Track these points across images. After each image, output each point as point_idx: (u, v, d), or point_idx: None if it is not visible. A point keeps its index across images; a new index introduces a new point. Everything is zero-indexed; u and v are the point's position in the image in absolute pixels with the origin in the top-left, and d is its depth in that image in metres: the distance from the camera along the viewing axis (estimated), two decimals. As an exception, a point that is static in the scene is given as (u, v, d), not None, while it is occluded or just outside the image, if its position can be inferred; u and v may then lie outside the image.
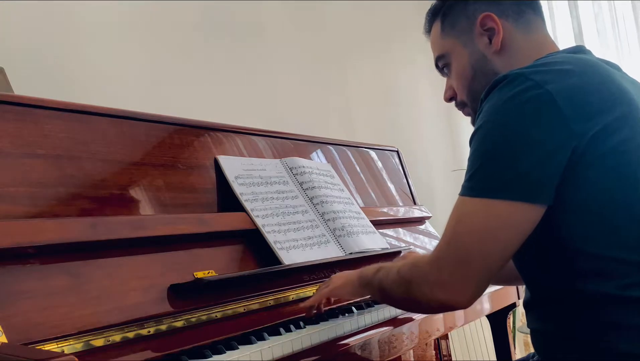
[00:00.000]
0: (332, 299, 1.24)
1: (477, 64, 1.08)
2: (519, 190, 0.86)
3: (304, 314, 1.19)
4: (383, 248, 1.54)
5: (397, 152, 2.07)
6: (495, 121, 0.90)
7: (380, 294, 1.08)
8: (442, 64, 1.15)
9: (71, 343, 0.85)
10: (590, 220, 0.88)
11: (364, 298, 1.29)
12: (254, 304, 1.14)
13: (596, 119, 0.86)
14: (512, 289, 1.77)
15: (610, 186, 0.87)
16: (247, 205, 1.28)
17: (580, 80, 0.89)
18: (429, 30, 1.17)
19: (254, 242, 1.26)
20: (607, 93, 0.90)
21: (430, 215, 1.98)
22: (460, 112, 1.18)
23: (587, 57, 1.00)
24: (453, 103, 1.17)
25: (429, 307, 0.99)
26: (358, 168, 1.81)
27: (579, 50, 1.04)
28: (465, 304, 0.91)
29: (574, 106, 0.86)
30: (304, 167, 1.50)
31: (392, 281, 1.02)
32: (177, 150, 1.25)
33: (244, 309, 1.12)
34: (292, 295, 1.23)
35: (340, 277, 1.18)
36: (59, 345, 0.84)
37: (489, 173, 0.89)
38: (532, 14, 1.07)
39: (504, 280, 1.40)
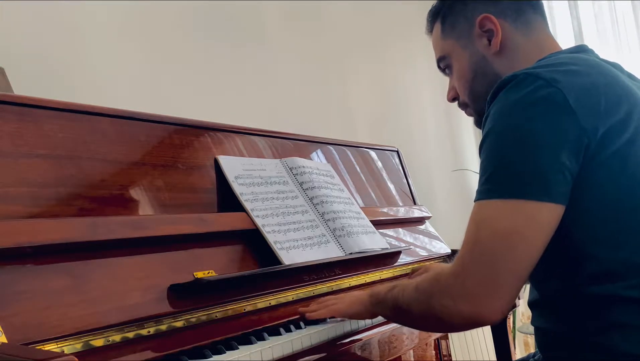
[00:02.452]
0: None
1: (477, 66, 1.08)
2: (539, 189, 0.84)
3: (304, 314, 1.19)
4: (383, 248, 1.53)
5: (397, 152, 2.07)
6: (508, 122, 0.88)
7: (394, 312, 1.02)
8: (444, 65, 1.14)
9: (71, 343, 0.85)
10: (598, 222, 0.87)
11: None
12: (253, 304, 1.14)
13: (604, 120, 0.86)
14: (512, 289, 1.77)
15: (617, 188, 0.87)
16: (247, 205, 1.28)
17: (587, 81, 0.89)
18: (430, 30, 1.17)
19: (254, 242, 1.25)
20: (613, 94, 0.89)
21: (430, 215, 1.98)
22: (461, 112, 1.18)
23: (590, 57, 0.99)
24: (455, 103, 1.17)
25: (451, 324, 0.90)
26: (358, 168, 1.81)
27: (581, 49, 1.03)
28: (493, 318, 0.85)
29: (584, 105, 0.85)
30: (304, 167, 1.50)
31: (409, 298, 0.96)
32: (177, 150, 1.24)
33: (244, 309, 1.12)
34: (292, 295, 1.23)
35: (350, 295, 1.16)
36: (59, 345, 0.84)
37: (507, 174, 0.86)
38: (532, 13, 1.07)
39: None
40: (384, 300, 1.04)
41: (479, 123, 1.12)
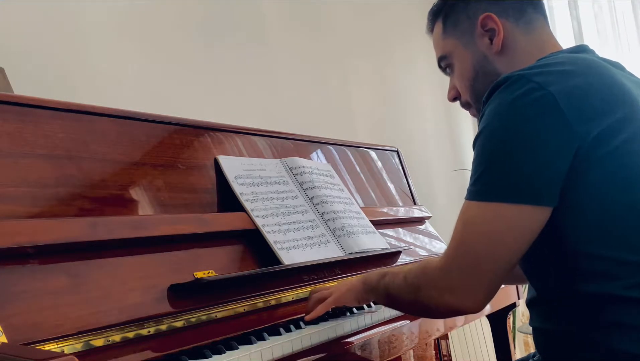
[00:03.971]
0: None
1: (479, 65, 1.08)
2: (524, 193, 0.86)
3: (304, 314, 1.19)
4: (383, 248, 1.54)
5: (397, 152, 2.07)
6: (498, 124, 0.89)
7: (387, 299, 1.08)
8: (445, 64, 1.14)
9: (71, 343, 0.85)
10: (594, 221, 0.88)
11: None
12: (253, 304, 1.14)
13: (598, 120, 0.86)
14: (512, 289, 1.78)
15: (613, 187, 0.87)
16: (247, 205, 1.28)
17: (582, 81, 0.89)
18: (431, 30, 1.17)
19: (254, 242, 1.25)
20: (609, 94, 0.89)
21: (430, 215, 1.98)
22: (461, 112, 1.18)
23: (590, 57, 0.99)
24: (454, 103, 1.17)
25: (437, 312, 0.99)
26: (358, 168, 1.81)
27: (582, 49, 1.03)
28: (475, 309, 0.91)
29: (576, 107, 0.86)
30: (304, 167, 1.50)
31: (399, 288, 1.02)
32: (177, 150, 1.24)
33: (244, 309, 1.12)
34: (292, 295, 1.23)
35: (343, 285, 1.17)
36: (59, 345, 0.84)
37: (494, 177, 0.88)
38: (534, 12, 1.07)
39: (511, 279, 1.39)
40: (376, 287, 1.09)
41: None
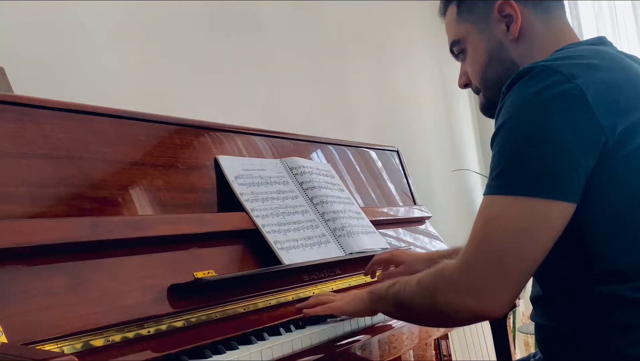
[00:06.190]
0: None
1: (493, 51, 1.04)
2: (552, 188, 0.82)
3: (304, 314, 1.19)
4: (383, 248, 1.53)
5: (397, 152, 2.07)
6: (523, 116, 0.86)
7: (397, 309, 1.01)
8: (457, 49, 1.11)
9: (71, 343, 0.85)
10: (610, 222, 0.86)
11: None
12: (254, 304, 1.14)
13: (624, 117, 0.84)
14: (512, 289, 1.77)
15: (633, 186, 0.85)
16: (247, 205, 1.28)
17: (607, 76, 0.87)
18: (443, 13, 1.13)
19: (254, 242, 1.26)
20: (633, 90, 0.87)
21: (430, 215, 1.98)
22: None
23: (610, 50, 0.96)
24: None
25: (456, 318, 0.91)
26: (358, 168, 1.81)
27: (601, 41, 1.00)
28: (498, 312, 0.85)
29: (604, 102, 0.83)
30: (304, 167, 1.50)
31: (411, 293, 0.96)
32: (177, 150, 1.25)
33: (244, 309, 1.12)
34: (292, 295, 1.24)
35: (348, 294, 1.14)
36: (59, 345, 0.84)
37: (520, 170, 0.84)
38: (552, 0, 1.04)
39: None
40: (385, 296, 1.03)
41: (485, 110, 1.10)
